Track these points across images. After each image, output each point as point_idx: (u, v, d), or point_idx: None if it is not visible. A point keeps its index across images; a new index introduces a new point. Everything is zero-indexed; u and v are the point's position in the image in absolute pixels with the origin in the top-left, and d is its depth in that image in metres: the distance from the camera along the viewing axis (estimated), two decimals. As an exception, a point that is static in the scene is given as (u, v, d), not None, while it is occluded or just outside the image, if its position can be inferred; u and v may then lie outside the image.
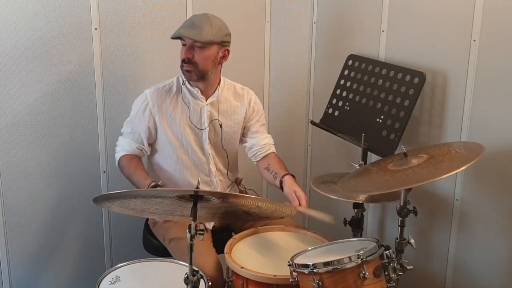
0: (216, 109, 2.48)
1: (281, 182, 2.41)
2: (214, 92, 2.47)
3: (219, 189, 2.53)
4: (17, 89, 2.58)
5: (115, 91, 2.78)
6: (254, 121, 2.58)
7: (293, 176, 2.43)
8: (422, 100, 2.55)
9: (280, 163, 2.53)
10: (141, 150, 2.47)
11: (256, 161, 2.61)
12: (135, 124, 2.44)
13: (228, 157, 2.55)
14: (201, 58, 2.33)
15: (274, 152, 2.61)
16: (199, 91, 2.43)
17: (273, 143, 2.63)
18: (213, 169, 2.52)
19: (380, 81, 2.62)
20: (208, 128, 2.46)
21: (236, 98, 2.54)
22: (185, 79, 2.42)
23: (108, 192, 1.99)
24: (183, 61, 2.35)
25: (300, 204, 2.28)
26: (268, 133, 2.64)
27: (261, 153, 2.58)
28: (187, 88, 2.44)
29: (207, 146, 2.49)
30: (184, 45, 2.35)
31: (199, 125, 2.46)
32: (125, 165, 2.45)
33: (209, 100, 2.46)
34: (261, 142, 2.58)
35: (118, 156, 2.49)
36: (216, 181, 2.53)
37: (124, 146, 2.47)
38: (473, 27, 2.31)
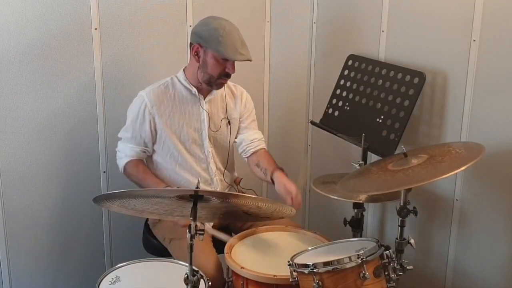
0: (216, 107, 2.49)
1: (272, 179, 2.42)
2: (211, 90, 2.47)
3: (219, 188, 2.53)
4: (17, 89, 2.58)
5: (115, 91, 2.78)
6: (245, 117, 2.59)
7: (282, 170, 2.43)
8: (422, 100, 2.54)
9: (270, 159, 2.53)
10: (145, 152, 2.46)
11: (246, 157, 2.61)
12: (135, 128, 2.42)
13: (228, 155, 2.56)
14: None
15: (264, 149, 2.61)
16: (196, 91, 2.44)
17: (263, 139, 2.63)
18: (213, 167, 2.52)
19: (380, 81, 2.62)
20: (208, 126, 2.47)
21: (231, 95, 2.56)
22: (179, 78, 2.43)
23: (108, 192, 1.99)
24: (226, 75, 2.37)
25: (292, 199, 2.28)
26: (268, 132, 2.64)
27: (250, 149, 2.58)
28: (184, 86, 2.44)
29: (207, 144, 2.49)
30: (227, 60, 2.34)
31: (198, 124, 2.46)
32: (132, 172, 2.43)
33: (207, 98, 2.47)
34: (250, 137, 2.59)
35: (122, 162, 2.46)
36: (216, 180, 2.53)
37: (126, 152, 2.45)
38: (473, 27, 2.31)
